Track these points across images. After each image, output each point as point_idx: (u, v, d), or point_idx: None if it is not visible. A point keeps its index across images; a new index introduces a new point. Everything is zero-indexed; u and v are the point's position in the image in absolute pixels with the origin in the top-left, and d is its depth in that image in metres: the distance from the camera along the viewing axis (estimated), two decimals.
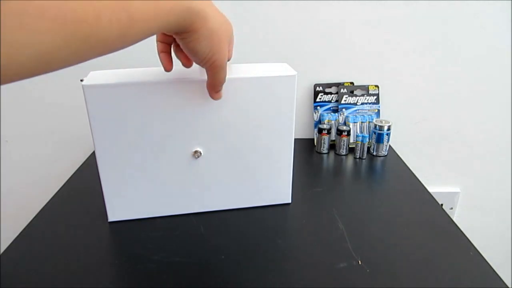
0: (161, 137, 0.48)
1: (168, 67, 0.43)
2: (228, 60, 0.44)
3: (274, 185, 0.55)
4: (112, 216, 0.53)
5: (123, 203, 0.52)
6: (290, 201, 0.57)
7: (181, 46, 0.38)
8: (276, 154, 0.53)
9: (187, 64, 0.44)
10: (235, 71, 0.49)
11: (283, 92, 0.49)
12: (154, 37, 0.42)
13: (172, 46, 0.44)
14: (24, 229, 0.52)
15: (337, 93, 0.78)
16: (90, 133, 0.48)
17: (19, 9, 0.20)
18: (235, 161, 0.52)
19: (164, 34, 0.42)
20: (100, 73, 0.48)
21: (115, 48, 0.27)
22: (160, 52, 0.43)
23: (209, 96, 0.46)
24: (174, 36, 0.37)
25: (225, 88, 0.46)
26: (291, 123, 0.51)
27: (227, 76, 0.46)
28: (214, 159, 0.51)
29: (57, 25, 0.22)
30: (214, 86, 0.44)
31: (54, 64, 0.23)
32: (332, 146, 0.77)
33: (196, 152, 0.50)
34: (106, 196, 0.51)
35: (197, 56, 0.38)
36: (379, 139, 0.73)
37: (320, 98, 0.79)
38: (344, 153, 0.75)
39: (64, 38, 0.22)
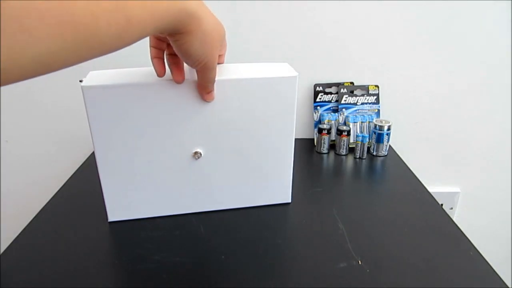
0: (161, 138, 0.48)
1: (161, 72, 0.44)
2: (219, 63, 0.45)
3: (274, 185, 0.55)
4: (112, 216, 0.53)
5: (123, 203, 0.52)
6: (290, 201, 0.57)
7: (174, 49, 0.38)
8: (276, 154, 0.53)
9: (178, 79, 0.44)
10: (235, 71, 0.49)
11: (284, 93, 0.49)
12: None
13: (166, 56, 0.44)
14: (24, 229, 0.52)
15: (337, 93, 0.78)
16: (90, 133, 0.48)
17: (20, 12, 0.20)
18: (236, 161, 0.52)
19: (158, 40, 0.42)
20: (99, 73, 0.48)
21: (113, 48, 0.28)
22: (153, 57, 0.43)
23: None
24: (168, 37, 0.37)
25: (226, 89, 0.46)
26: (292, 123, 0.51)
27: (228, 77, 0.46)
28: (214, 160, 0.51)
29: (57, 28, 0.22)
30: (204, 87, 0.45)
31: (54, 66, 0.24)
32: (332, 146, 0.77)
33: (196, 153, 0.50)
34: (106, 196, 0.51)
35: (190, 58, 0.39)
36: (379, 139, 0.73)
37: (320, 98, 0.79)
38: (344, 153, 0.75)
39: (64, 40, 0.23)
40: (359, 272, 0.44)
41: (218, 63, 0.47)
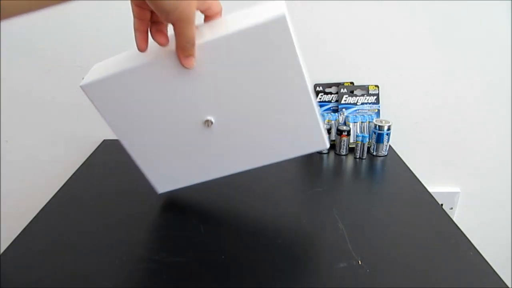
0: (169, 113, 0.48)
1: (141, 47, 0.42)
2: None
3: (303, 134, 0.50)
4: (161, 189, 0.56)
5: (165, 177, 0.55)
6: (327, 146, 0.51)
7: (148, 2, 0.36)
8: (291, 102, 0.47)
9: (162, 41, 0.42)
10: (217, 28, 0.44)
11: (275, 37, 0.42)
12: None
13: (149, 28, 0.42)
14: (24, 229, 0.52)
15: (337, 93, 0.78)
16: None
17: None
18: (251, 120, 0.49)
19: (140, 8, 0.40)
20: (100, 65, 0.48)
21: None
22: (136, 29, 0.41)
23: (202, 64, 0.43)
24: None
25: (209, 52, 0.43)
26: (298, 66, 0.44)
27: (207, 39, 0.42)
28: (228, 124, 0.49)
29: None
30: (182, 48, 0.41)
31: (11, 10, 0.23)
32: (332, 146, 0.77)
33: (207, 121, 0.48)
34: (146, 173, 0.54)
35: (164, 9, 0.36)
36: (379, 139, 0.73)
37: (320, 98, 0.79)
38: (344, 153, 0.75)
39: None
40: (359, 272, 0.44)
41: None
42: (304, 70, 0.45)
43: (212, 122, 0.48)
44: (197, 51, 0.42)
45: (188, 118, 0.48)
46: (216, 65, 0.44)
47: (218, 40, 0.42)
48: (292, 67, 0.44)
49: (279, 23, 0.41)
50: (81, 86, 0.44)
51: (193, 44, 0.41)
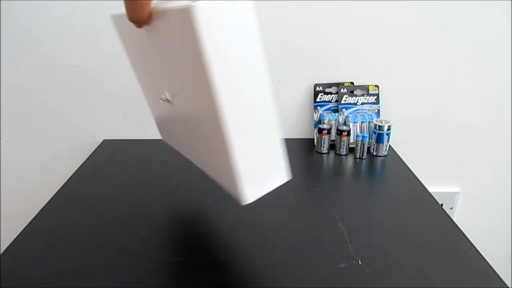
0: (146, 69, 0.47)
1: None
2: None
3: (223, 169, 0.37)
4: (162, 137, 0.56)
5: (162, 128, 0.55)
6: (244, 202, 0.35)
7: None
8: (204, 117, 0.35)
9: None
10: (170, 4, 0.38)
11: (185, 30, 0.31)
12: None
13: None
14: (24, 229, 0.52)
15: (337, 93, 0.78)
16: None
17: None
18: (191, 118, 0.40)
19: None
20: None
21: None
22: None
23: (150, 33, 0.38)
24: None
25: (154, 24, 0.37)
26: (205, 80, 0.31)
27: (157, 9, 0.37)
28: (179, 111, 0.42)
29: None
30: (130, 20, 0.37)
31: None
32: (332, 146, 0.77)
33: (164, 95, 0.43)
34: (153, 115, 0.55)
35: None
36: (379, 139, 0.73)
37: (320, 98, 0.79)
38: (344, 153, 0.75)
39: None
40: (359, 272, 0.44)
41: None
42: (223, 82, 0.31)
43: (167, 99, 0.42)
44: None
45: (154, 83, 0.46)
46: (157, 39, 0.38)
47: (157, 13, 0.36)
48: (198, 70, 0.32)
49: (188, 13, 0.30)
50: (111, 16, 0.47)
51: (143, 20, 0.36)
